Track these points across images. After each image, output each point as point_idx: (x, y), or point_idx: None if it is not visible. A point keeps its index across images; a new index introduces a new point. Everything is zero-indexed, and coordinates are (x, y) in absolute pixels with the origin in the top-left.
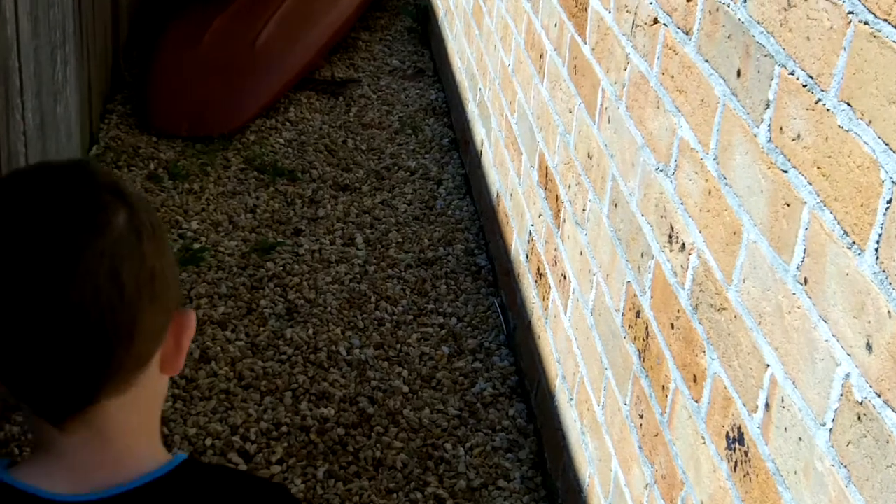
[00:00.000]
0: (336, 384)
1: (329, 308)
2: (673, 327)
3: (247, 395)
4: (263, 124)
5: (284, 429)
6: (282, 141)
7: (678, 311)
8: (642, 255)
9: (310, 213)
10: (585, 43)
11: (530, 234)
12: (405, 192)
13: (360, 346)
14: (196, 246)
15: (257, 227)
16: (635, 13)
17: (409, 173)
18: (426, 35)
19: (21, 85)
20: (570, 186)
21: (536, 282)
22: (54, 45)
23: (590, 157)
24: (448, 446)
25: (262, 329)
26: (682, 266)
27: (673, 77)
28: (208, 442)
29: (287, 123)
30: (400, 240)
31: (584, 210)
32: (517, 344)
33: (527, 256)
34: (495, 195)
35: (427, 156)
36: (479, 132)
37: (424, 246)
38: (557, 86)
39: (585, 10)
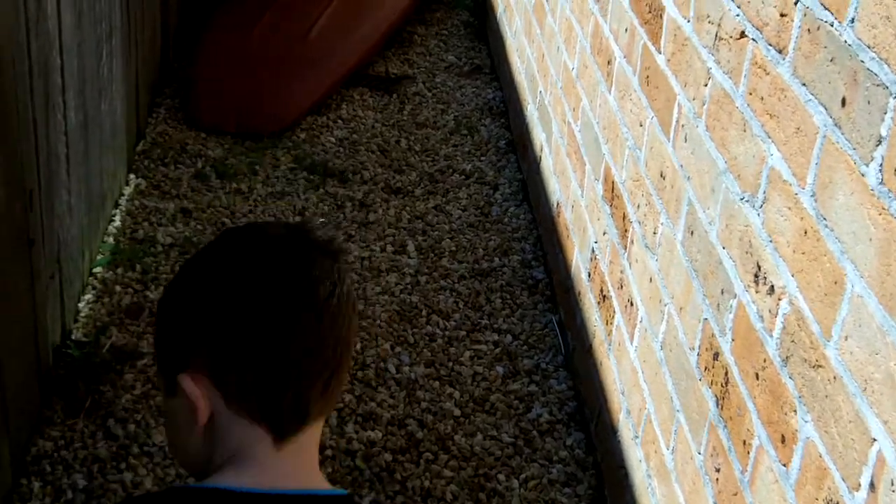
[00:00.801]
0: (384, 404)
1: (378, 321)
2: (758, 378)
3: None
4: (314, 122)
5: (329, 452)
6: (333, 140)
7: (764, 361)
8: (722, 292)
9: (360, 218)
10: (660, 52)
11: (593, 251)
12: (460, 196)
13: (409, 363)
14: None
15: None
16: (718, 25)
17: (464, 177)
18: (483, 30)
19: (63, 82)
20: (639, 206)
21: (599, 303)
22: (100, 39)
23: (662, 176)
24: (501, 477)
25: None
26: (770, 311)
27: (762, 99)
28: None
29: (339, 121)
30: (453, 248)
31: (654, 233)
32: (576, 367)
33: (589, 275)
34: (555, 205)
35: (483, 158)
36: (538, 137)
37: (479, 256)
38: (627, 96)
39: (660, 16)
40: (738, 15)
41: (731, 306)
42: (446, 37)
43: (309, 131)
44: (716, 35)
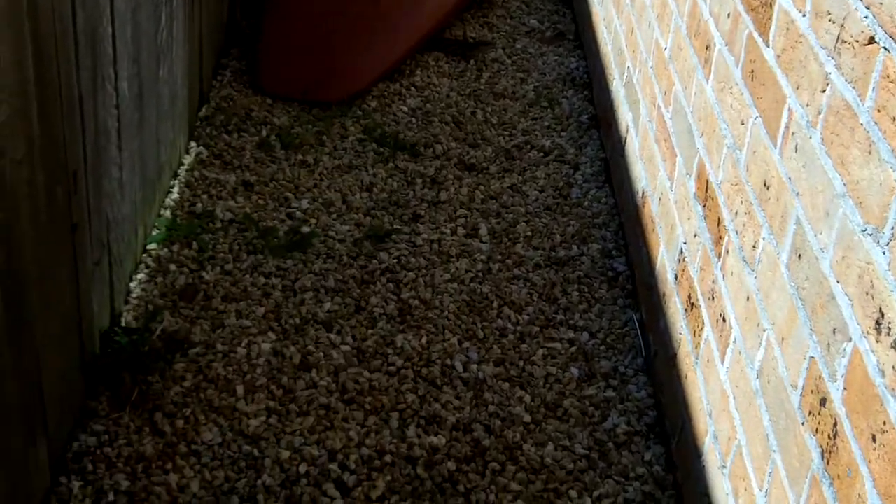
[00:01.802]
0: (449, 406)
1: (446, 312)
2: (874, 440)
3: (349, 413)
4: (386, 89)
5: (388, 458)
6: (405, 109)
7: (884, 424)
8: (834, 332)
9: (431, 196)
10: (768, 46)
11: (681, 251)
12: (537, 176)
13: (477, 360)
14: (305, 229)
15: (372, 210)
16: (841, 26)
17: (542, 154)
18: None
19: (115, 52)
20: (737, 213)
21: (686, 310)
22: (158, 2)
23: (766, 186)
24: (573, 494)
25: (370, 332)
26: (894, 368)
27: (895, 119)
28: (302, 468)
29: (412, 89)
30: (529, 233)
31: (754, 247)
32: (657, 374)
33: (675, 277)
34: (640, 193)
35: (563, 134)
36: (624, 116)
37: (556, 242)
38: (727, 88)
39: (770, 5)
40: (866, 17)
41: (844, 350)
42: None
43: (380, 99)
44: (837, 37)
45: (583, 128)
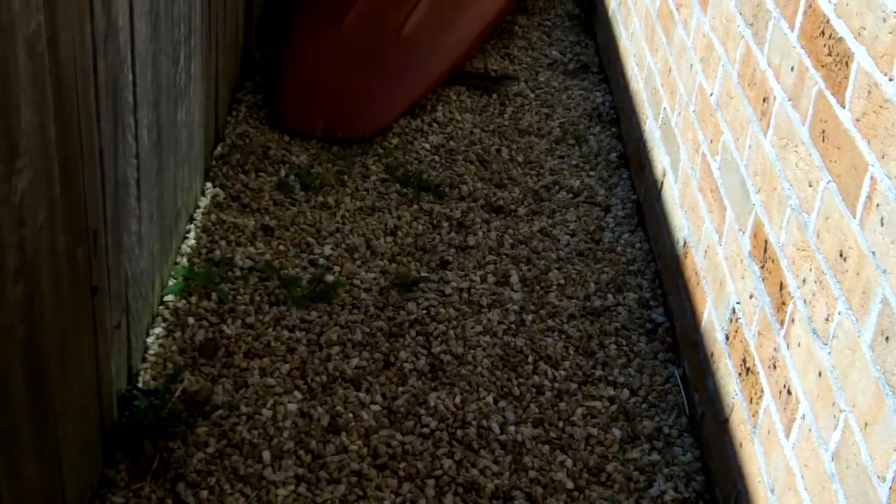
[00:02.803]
0: (487, 472)
1: (479, 367)
2: None
3: (382, 480)
4: (408, 125)
5: None
6: (428, 147)
7: None
8: None
9: (458, 241)
10: (843, 107)
11: (734, 311)
12: (567, 219)
13: (515, 421)
14: (329, 278)
15: (398, 255)
16: None
17: (571, 195)
18: (590, 23)
19: (135, 100)
20: (804, 281)
21: (740, 375)
22: (177, 43)
23: (843, 257)
24: None
25: (400, 390)
26: None
27: None
28: None
29: (434, 125)
30: (562, 281)
31: (827, 320)
32: (705, 436)
33: (727, 338)
34: (681, 243)
35: (592, 173)
36: (660, 159)
37: (590, 291)
38: (790, 146)
39: (846, 64)
40: None
41: None
42: (549, 28)
43: (401, 136)
44: None
45: (612, 167)
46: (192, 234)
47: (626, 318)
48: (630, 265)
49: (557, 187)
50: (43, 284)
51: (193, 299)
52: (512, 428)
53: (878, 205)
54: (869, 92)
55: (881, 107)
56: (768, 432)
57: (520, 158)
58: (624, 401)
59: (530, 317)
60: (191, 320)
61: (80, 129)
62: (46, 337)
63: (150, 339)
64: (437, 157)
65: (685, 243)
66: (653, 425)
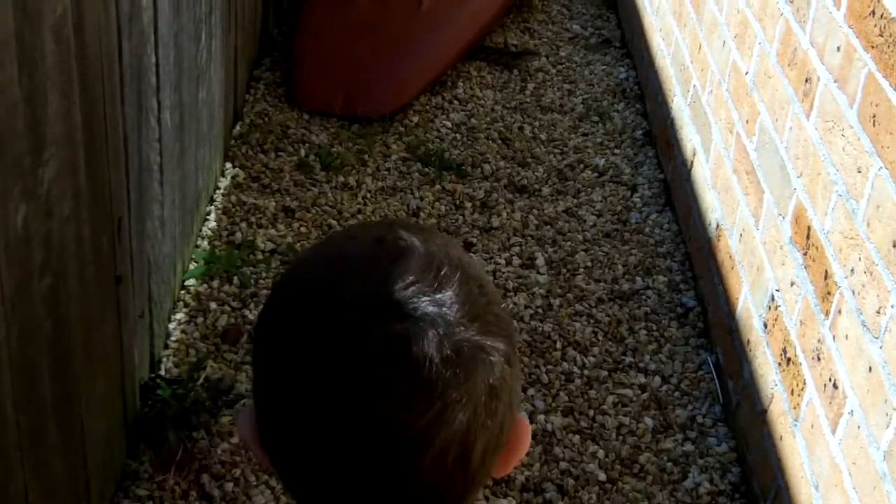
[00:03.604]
0: (517, 463)
1: None
2: None
3: None
4: (428, 102)
5: None
6: (449, 125)
7: None
8: None
9: (482, 222)
10: None
11: (773, 298)
12: (593, 199)
13: (544, 409)
14: None
15: None
16: None
17: (596, 174)
18: None
19: (158, 81)
20: (852, 270)
21: (780, 364)
22: (199, 21)
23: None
24: None
25: None
26: None
27: None
28: None
29: (455, 102)
30: (589, 263)
31: (878, 313)
32: (740, 427)
33: (765, 326)
34: (713, 225)
35: (617, 151)
36: (689, 138)
37: (618, 274)
38: (836, 129)
39: None
40: None
41: None
42: (569, 1)
43: (422, 114)
44: None
45: (637, 144)
46: (212, 216)
47: (656, 303)
48: (658, 247)
49: (582, 166)
50: (69, 276)
51: (215, 283)
52: (542, 417)
53: None
54: None
55: None
56: (812, 426)
57: (543, 136)
58: (655, 389)
59: (557, 301)
60: (213, 305)
61: (104, 114)
62: (72, 330)
63: (171, 325)
64: (458, 136)
65: (718, 226)
66: (686, 414)
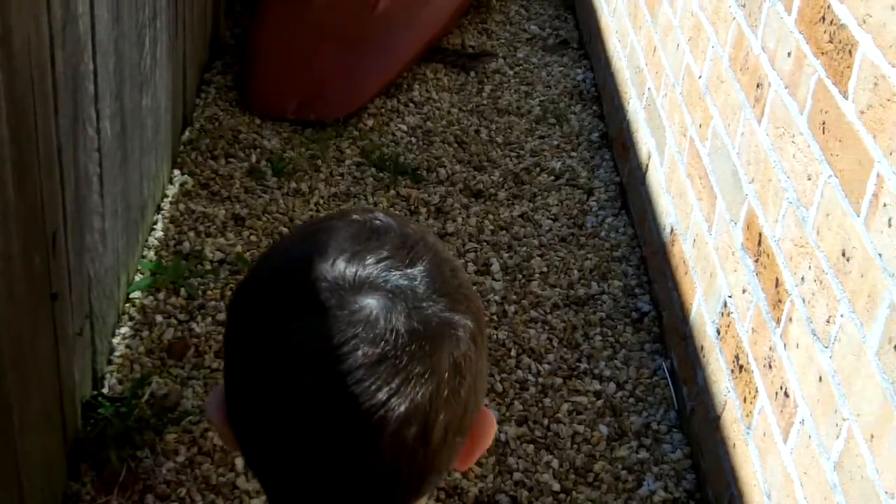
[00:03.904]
0: (470, 475)
1: None
2: None
3: None
4: (383, 105)
5: None
6: (404, 128)
7: None
8: None
9: (437, 227)
10: (846, 98)
11: (725, 305)
12: (549, 203)
13: (499, 419)
14: None
15: None
16: None
17: (553, 177)
18: None
19: (96, 90)
20: (803, 279)
21: (733, 371)
22: (141, 27)
23: (845, 257)
24: None
25: None
26: None
27: None
28: None
29: (410, 105)
30: (544, 269)
31: (828, 322)
32: (694, 433)
33: (718, 332)
34: (668, 230)
35: (574, 154)
36: (644, 141)
37: (574, 279)
38: (787, 136)
39: (849, 52)
40: None
41: None
42: (527, 2)
43: (377, 117)
44: None
45: (594, 147)
46: (159, 225)
47: (612, 308)
48: (614, 251)
49: (538, 169)
50: None
51: (161, 295)
52: (496, 425)
53: (885, 204)
54: (875, 84)
55: (889, 100)
56: (764, 434)
57: (499, 139)
58: (610, 395)
59: (512, 307)
60: (158, 318)
61: (35, 125)
62: (2, 347)
63: (115, 340)
64: (413, 139)
65: (672, 230)
66: (640, 421)
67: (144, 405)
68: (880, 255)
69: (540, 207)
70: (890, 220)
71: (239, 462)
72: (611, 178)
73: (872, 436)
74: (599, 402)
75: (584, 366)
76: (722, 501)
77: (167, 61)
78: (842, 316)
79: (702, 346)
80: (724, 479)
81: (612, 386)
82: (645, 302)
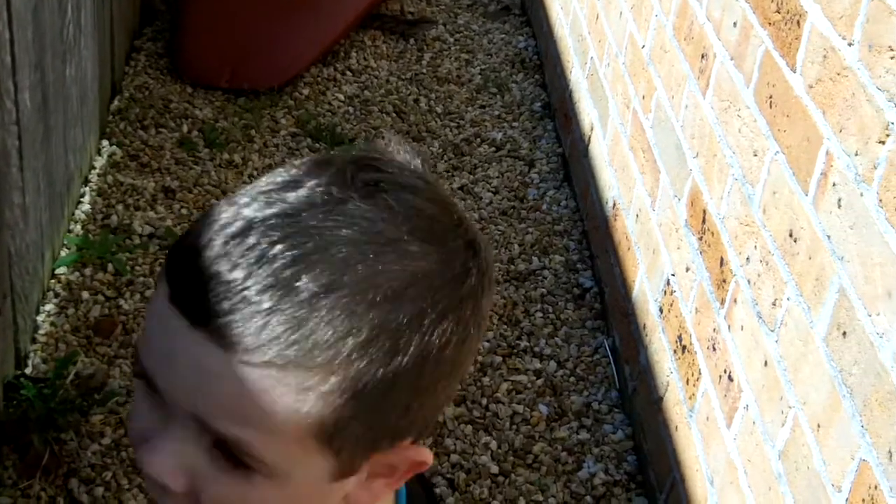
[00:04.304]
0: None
1: None
2: None
3: None
4: (319, 74)
5: None
6: (341, 97)
7: None
8: None
9: None
10: (794, 72)
11: (668, 283)
12: (490, 175)
13: None
14: None
15: None
16: None
17: (494, 149)
18: None
19: (13, 62)
20: (748, 259)
21: (675, 352)
22: None
23: (793, 238)
24: None
25: None
26: None
27: None
28: None
29: (348, 73)
30: None
31: (774, 304)
32: (636, 414)
33: (661, 311)
34: (610, 204)
35: (515, 125)
36: (587, 112)
37: (514, 254)
38: (732, 109)
39: (797, 23)
40: None
41: None
42: None
43: (313, 86)
44: None
45: (536, 117)
46: (86, 199)
47: (553, 284)
48: (556, 225)
49: (479, 140)
50: None
51: (88, 271)
52: None
53: (834, 184)
54: (825, 56)
55: (839, 74)
56: (707, 419)
57: (439, 109)
58: (550, 374)
59: None
60: (85, 295)
61: None
62: None
63: (40, 318)
64: (351, 109)
65: (615, 204)
66: (581, 400)
67: (69, 385)
68: (829, 236)
69: (480, 180)
70: (840, 200)
71: None
72: (553, 149)
73: (819, 425)
74: (539, 381)
75: (524, 343)
76: (664, 485)
77: (93, 29)
78: (788, 299)
79: (644, 325)
80: (667, 463)
81: (553, 364)
82: (587, 278)
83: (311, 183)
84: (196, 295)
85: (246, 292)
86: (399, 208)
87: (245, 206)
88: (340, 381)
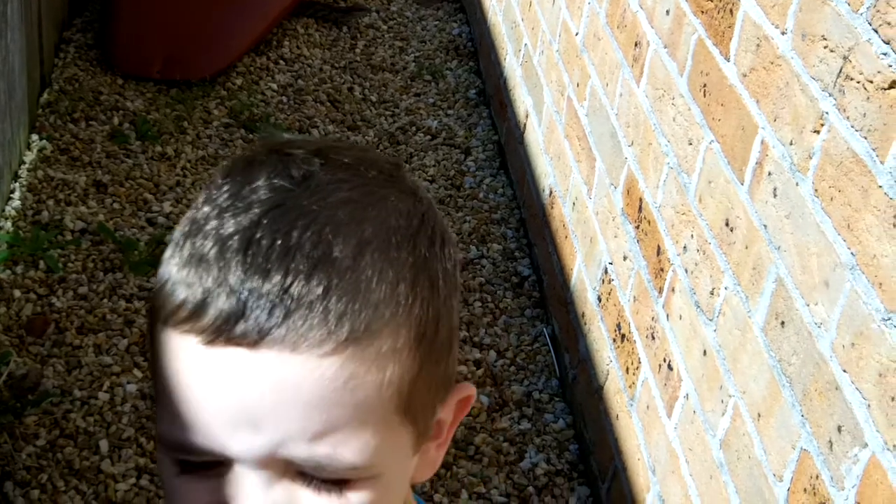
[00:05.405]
0: None
1: None
2: None
3: None
4: (252, 63)
5: None
6: (275, 87)
7: None
8: (840, 430)
9: None
10: (728, 60)
11: (606, 271)
12: (426, 163)
13: None
14: (169, 238)
15: None
16: (845, 58)
17: (429, 137)
18: None
19: None
20: (685, 248)
21: (615, 341)
22: None
23: (729, 227)
24: None
25: None
26: None
27: None
28: None
29: (281, 62)
30: None
31: (712, 294)
32: (577, 402)
33: (599, 299)
34: (547, 192)
35: (451, 112)
36: (522, 99)
37: None
38: (667, 98)
39: (730, 11)
40: (885, 55)
41: (855, 457)
42: None
43: (246, 76)
44: (839, 71)
45: (471, 105)
46: (16, 195)
47: (491, 272)
48: (493, 213)
49: (414, 129)
50: None
51: (19, 269)
52: None
53: (769, 173)
54: (758, 45)
55: (772, 63)
56: (647, 407)
57: (373, 97)
58: (490, 364)
59: None
60: (16, 293)
61: None
62: None
63: None
64: (284, 98)
65: (552, 192)
66: (522, 390)
67: (2, 386)
68: (765, 226)
69: (416, 168)
70: (775, 189)
71: (103, 445)
72: (489, 136)
73: (759, 415)
74: (479, 371)
75: (463, 333)
76: (606, 474)
77: (20, 21)
78: (726, 288)
79: (583, 313)
80: (609, 452)
81: (493, 354)
82: (525, 266)
83: (262, 178)
84: (244, 319)
85: (292, 289)
86: (353, 163)
87: (223, 225)
88: (408, 332)
